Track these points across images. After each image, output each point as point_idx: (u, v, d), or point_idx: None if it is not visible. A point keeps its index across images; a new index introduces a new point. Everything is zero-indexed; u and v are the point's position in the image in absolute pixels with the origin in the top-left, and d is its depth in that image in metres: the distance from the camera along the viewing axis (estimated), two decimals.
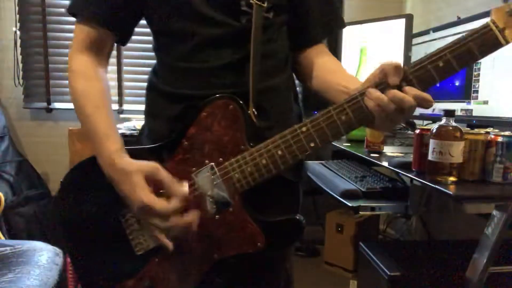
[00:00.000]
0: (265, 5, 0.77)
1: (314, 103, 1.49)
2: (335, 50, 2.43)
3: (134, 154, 0.76)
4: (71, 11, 0.83)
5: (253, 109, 0.78)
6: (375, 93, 0.66)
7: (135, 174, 0.71)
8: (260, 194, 0.77)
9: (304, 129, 0.71)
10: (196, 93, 0.79)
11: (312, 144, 0.71)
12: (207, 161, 0.76)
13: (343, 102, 0.69)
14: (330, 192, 1.45)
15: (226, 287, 0.87)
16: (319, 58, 0.90)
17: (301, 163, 0.90)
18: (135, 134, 2.05)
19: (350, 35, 2.28)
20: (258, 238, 0.76)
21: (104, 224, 0.81)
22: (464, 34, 0.65)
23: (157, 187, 0.72)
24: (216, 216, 0.76)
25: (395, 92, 0.65)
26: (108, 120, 0.78)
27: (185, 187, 0.73)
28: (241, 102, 0.76)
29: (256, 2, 0.76)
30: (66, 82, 3.14)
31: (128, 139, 1.10)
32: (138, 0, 0.81)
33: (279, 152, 0.72)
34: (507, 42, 0.64)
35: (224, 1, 0.77)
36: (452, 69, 0.65)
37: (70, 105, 2.87)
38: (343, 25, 0.93)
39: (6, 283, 1.17)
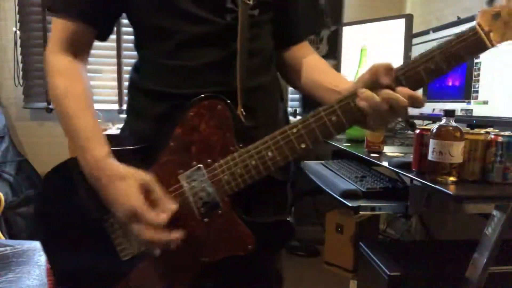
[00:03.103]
0: (251, 2, 0.76)
1: (314, 103, 1.49)
2: (335, 50, 2.44)
3: (119, 155, 0.73)
4: (49, 6, 0.80)
5: (241, 109, 0.76)
6: (367, 93, 0.66)
7: (130, 180, 0.69)
8: (249, 195, 0.75)
9: (294, 130, 0.70)
10: (182, 91, 0.77)
11: (303, 145, 0.70)
12: (194, 163, 0.74)
13: (334, 103, 0.69)
14: (330, 192, 1.45)
15: None
16: (305, 57, 0.89)
17: (289, 163, 0.88)
18: None
19: (350, 35, 2.28)
20: (248, 241, 0.74)
21: (87, 229, 0.78)
22: (451, 36, 0.66)
23: (146, 199, 0.70)
24: (205, 219, 0.74)
25: (388, 92, 0.65)
26: (94, 122, 0.75)
27: (174, 205, 0.71)
28: (229, 101, 0.74)
29: None
30: None
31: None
32: None
33: (269, 154, 0.71)
34: (493, 45, 0.65)
35: None
36: (441, 71, 0.66)
37: None
38: (327, 25, 0.94)
39: (6, 283, 1.17)
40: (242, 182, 0.72)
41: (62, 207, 0.79)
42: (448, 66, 0.65)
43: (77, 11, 0.76)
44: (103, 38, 0.83)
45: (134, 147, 0.78)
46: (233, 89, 0.76)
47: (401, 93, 0.64)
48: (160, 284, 0.78)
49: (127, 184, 0.69)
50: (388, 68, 0.66)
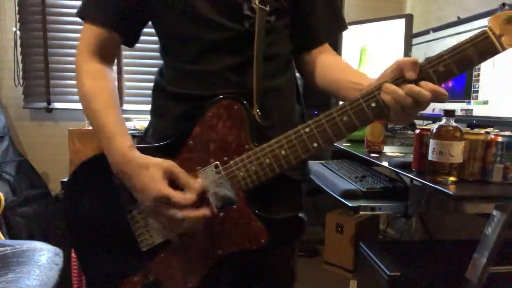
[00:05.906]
0: (267, 9, 0.79)
1: (314, 103, 1.49)
2: (335, 50, 2.43)
3: (142, 152, 0.78)
4: (80, 14, 0.85)
5: (257, 110, 0.80)
6: (391, 87, 0.67)
7: (153, 168, 0.74)
8: (264, 192, 0.78)
9: (307, 129, 0.73)
10: (201, 93, 0.81)
11: (315, 144, 0.73)
12: (212, 160, 0.78)
13: (359, 97, 0.70)
14: (330, 192, 1.45)
15: (231, 284, 0.90)
16: (325, 58, 0.91)
17: (305, 163, 0.92)
18: (135, 134, 2.05)
19: (350, 35, 2.28)
20: (261, 235, 0.78)
21: (110, 221, 0.84)
22: (463, 40, 0.67)
23: (172, 184, 0.75)
24: (221, 213, 0.78)
25: (412, 86, 0.66)
26: (118, 117, 0.81)
27: (199, 183, 0.76)
28: (245, 102, 0.78)
29: (259, 6, 0.78)
30: (66, 82, 3.13)
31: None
32: (145, 4, 0.83)
33: (283, 152, 0.74)
34: (504, 49, 0.67)
35: (227, 6, 0.79)
36: (452, 74, 0.68)
37: (70, 105, 2.87)
38: (346, 27, 0.95)
39: (6, 283, 1.17)
40: (257, 179, 0.76)
41: (88, 201, 0.85)
42: (459, 69, 0.67)
43: (104, 19, 0.83)
44: (130, 44, 0.90)
45: (156, 144, 0.84)
46: (249, 91, 0.80)
47: (425, 87, 0.66)
48: (176, 274, 0.82)
49: (151, 172, 0.74)
50: (414, 63, 0.67)
